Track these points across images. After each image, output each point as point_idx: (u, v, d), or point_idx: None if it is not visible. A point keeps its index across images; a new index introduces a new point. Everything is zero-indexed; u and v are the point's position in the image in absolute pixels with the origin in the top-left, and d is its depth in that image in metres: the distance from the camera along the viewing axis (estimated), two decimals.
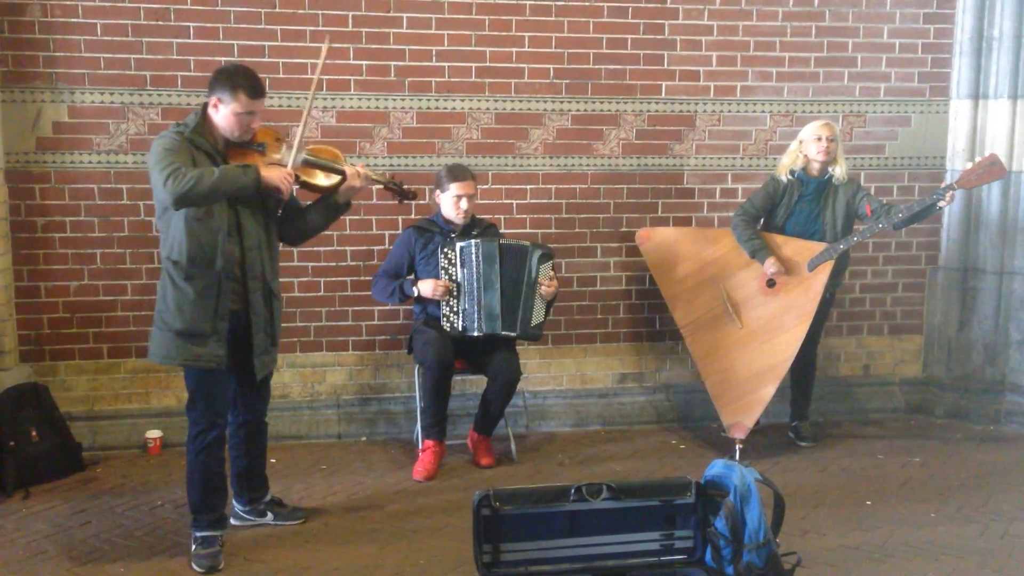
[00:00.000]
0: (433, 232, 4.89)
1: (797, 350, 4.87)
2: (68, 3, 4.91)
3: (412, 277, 4.93)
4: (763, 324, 4.97)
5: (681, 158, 5.58)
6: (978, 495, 4.55)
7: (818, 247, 4.92)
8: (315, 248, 5.12)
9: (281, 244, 4.05)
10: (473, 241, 4.78)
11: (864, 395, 5.91)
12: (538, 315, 4.89)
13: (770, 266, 4.90)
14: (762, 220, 5.11)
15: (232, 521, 4.08)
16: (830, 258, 4.88)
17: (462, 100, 5.32)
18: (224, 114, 3.66)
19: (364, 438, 5.38)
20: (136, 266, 5.12)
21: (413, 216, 5.19)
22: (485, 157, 5.39)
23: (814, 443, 5.27)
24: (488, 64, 5.31)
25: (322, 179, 3.91)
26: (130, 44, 4.99)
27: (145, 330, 5.07)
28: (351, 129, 5.23)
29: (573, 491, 3.30)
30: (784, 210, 5.04)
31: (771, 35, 5.56)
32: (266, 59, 5.04)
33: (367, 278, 5.17)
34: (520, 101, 5.38)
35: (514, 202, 5.45)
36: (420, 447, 4.89)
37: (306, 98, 5.02)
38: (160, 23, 5.00)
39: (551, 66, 5.37)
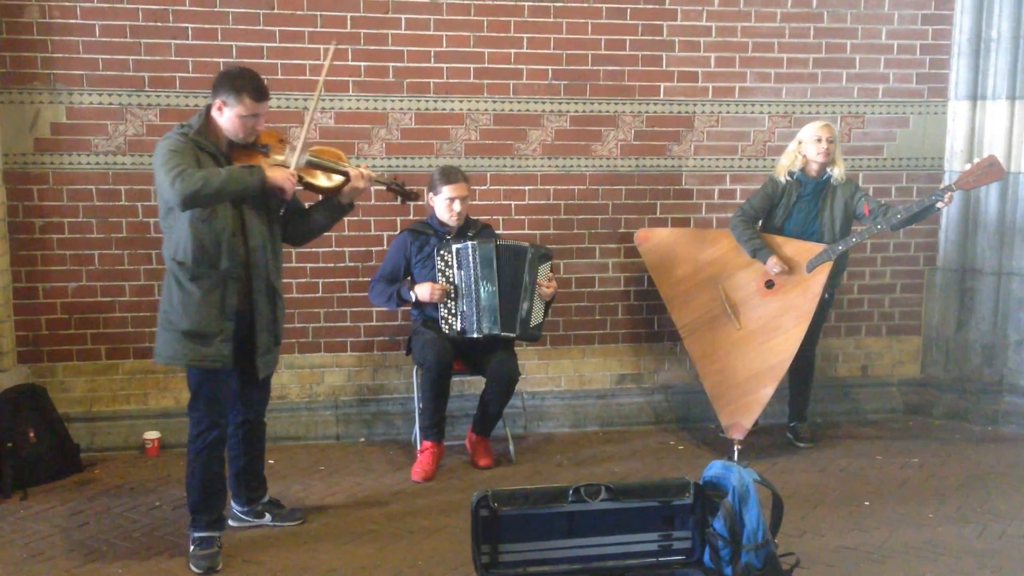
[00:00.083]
0: (428, 235, 4.88)
1: (795, 351, 4.88)
2: (66, 4, 4.91)
3: (410, 278, 4.93)
4: (762, 325, 4.97)
5: (679, 159, 5.58)
6: (976, 496, 4.55)
7: (817, 248, 4.92)
8: (313, 249, 5.12)
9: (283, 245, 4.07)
10: (469, 243, 4.78)
11: (862, 396, 5.91)
12: (537, 316, 4.89)
13: (773, 265, 4.90)
14: (760, 221, 5.11)
15: (230, 522, 4.08)
16: (829, 259, 4.88)
17: (460, 101, 5.32)
18: (228, 116, 3.68)
19: (362, 439, 5.37)
20: (134, 267, 5.12)
21: (411, 217, 5.19)
22: (483, 158, 5.39)
23: (812, 444, 5.27)
24: (486, 65, 5.31)
25: (326, 180, 3.93)
26: (128, 45, 4.99)
27: (143, 331, 5.12)
28: (349, 130, 5.23)
29: (571, 492, 3.30)
30: (783, 211, 5.05)
31: (769, 36, 5.56)
32: (264, 60, 5.04)
33: (366, 279, 5.17)
34: (518, 102, 5.38)
35: (512, 203, 5.45)
36: (418, 448, 4.88)
37: (305, 99, 5.07)
38: (158, 24, 5.00)
39: (549, 67, 5.38)
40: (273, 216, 3.88)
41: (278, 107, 5.06)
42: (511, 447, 5.07)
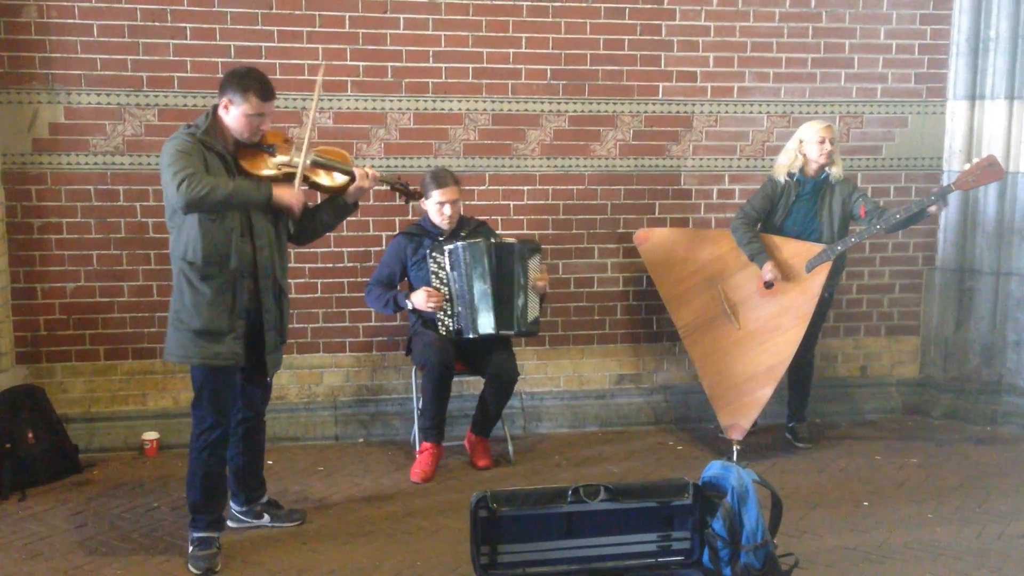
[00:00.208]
0: (422, 237, 4.88)
1: (795, 351, 4.87)
2: (64, 4, 4.90)
3: (407, 281, 4.93)
4: (761, 325, 4.97)
5: (678, 159, 5.58)
6: (975, 496, 4.55)
7: (816, 248, 4.92)
8: (312, 249, 5.11)
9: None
10: (460, 244, 4.77)
11: (861, 396, 5.91)
12: (533, 310, 4.88)
13: (767, 272, 4.90)
14: (761, 222, 5.11)
15: (228, 523, 4.08)
16: (828, 259, 4.88)
17: (459, 101, 5.32)
18: (235, 115, 3.70)
19: (361, 440, 5.37)
20: (133, 267, 5.12)
21: (409, 217, 5.19)
22: (482, 158, 5.38)
23: (811, 444, 5.27)
24: (485, 65, 5.31)
25: (332, 180, 3.96)
26: (126, 45, 4.99)
27: (142, 331, 5.13)
28: (348, 130, 5.22)
29: (570, 492, 3.30)
30: (782, 210, 5.05)
31: (768, 36, 5.56)
32: (263, 60, 5.03)
33: (364, 279, 5.16)
34: (517, 102, 5.38)
35: (511, 203, 5.45)
36: (417, 449, 4.88)
37: (304, 99, 5.07)
38: (156, 24, 4.99)
39: (548, 67, 5.37)
40: (279, 216, 3.91)
41: (276, 107, 5.02)
42: (510, 447, 5.06)
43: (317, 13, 5.12)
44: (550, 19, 5.33)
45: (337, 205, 4.03)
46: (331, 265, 5.32)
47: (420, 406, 4.93)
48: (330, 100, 5.18)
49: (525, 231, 5.43)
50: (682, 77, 5.52)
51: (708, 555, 3.38)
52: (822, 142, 4.92)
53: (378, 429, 5.40)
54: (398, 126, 5.28)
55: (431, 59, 5.26)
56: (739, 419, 4.90)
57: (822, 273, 4.88)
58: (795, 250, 4.96)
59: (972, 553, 3.93)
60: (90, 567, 3.80)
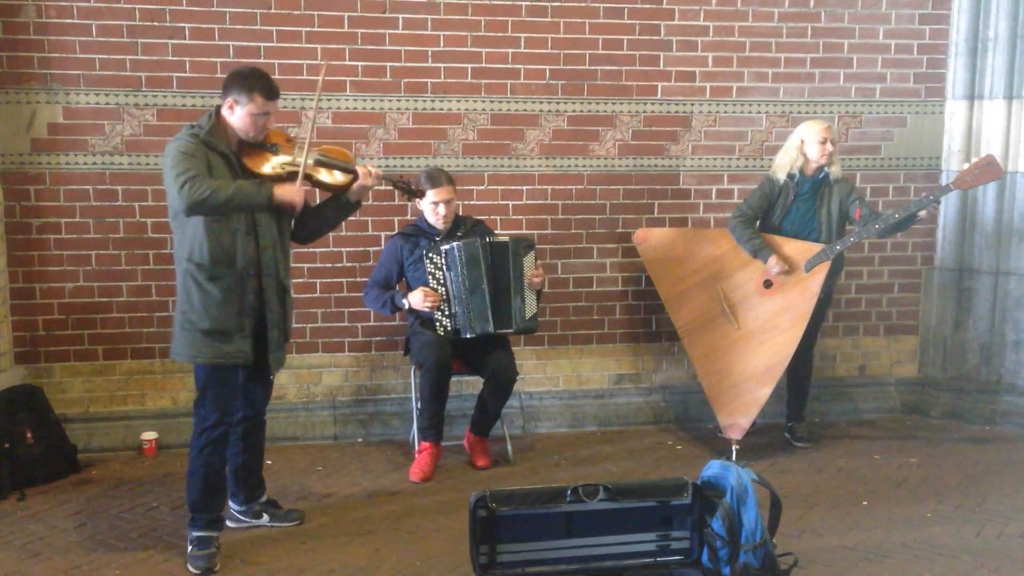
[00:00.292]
0: (419, 237, 4.88)
1: (794, 351, 4.87)
2: (63, 4, 4.90)
3: (404, 281, 4.93)
4: (760, 325, 4.97)
5: (677, 159, 5.58)
6: (974, 495, 4.55)
7: (815, 248, 4.92)
8: (311, 249, 5.11)
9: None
10: (455, 244, 4.77)
11: (860, 395, 5.91)
12: (530, 307, 4.88)
13: (773, 265, 4.90)
14: (759, 221, 5.11)
15: (227, 523, 4.07)
16: (827, 259, 4.88)
17: (458, 101, 5.32)
18: (240, 115, 3.71)
19: (360, 439, 5.37)
20: (132, 267, 5.12)
21: (408, 217, 5.19)
22: (481, 158, 5.38)
23: (810, 444, 5.27)
24: (484, 65, 5.31)
25: (334, 178, 3.97)
26: (125, 45, 4.99)
27: (141, 331, 5.13)
28: (347, 130, 5.22)
29: (569, 492, 3.30)
30: (780, 210, 5.04)
31: (767, 36, 5.56)
32: (262, 60, 5.03)
33: (363, 279, 5.16)
34: (516, 102, 5.38)
35: (510, 203, 5.45)
36: (416, 448, 4.88)
37: (304, 99, 5.07)
38: (155, 24, 4.99)
39: (547, 67, 5.37)
40: (283, 215, 3.92)
41: None
42: (509, 447, 5.06)
43: (316, 13, 5.12)
44: (549, 19, 5.33)
45: (340, 203, 4.04)
46: (330, 265, 5.32)
47: (419, 406, 4.92)
48: (329, 100, 5.18)
49: (524, 231, 5.42)
50: (681, 77, 5.52)
51: (707, 554, 3.38)
52: (824, 142, 4.93)
53: (377, 429, 5.40)
54: (397, 126, 5.28)
55: (430, 59, 5.26)
56: (738, 419, 4.91)
57: (821, 273, 4.88)
58: (794, 249, 4.96)
59: (971, 552, 3.93)
60: (89, 567, 3.80)
